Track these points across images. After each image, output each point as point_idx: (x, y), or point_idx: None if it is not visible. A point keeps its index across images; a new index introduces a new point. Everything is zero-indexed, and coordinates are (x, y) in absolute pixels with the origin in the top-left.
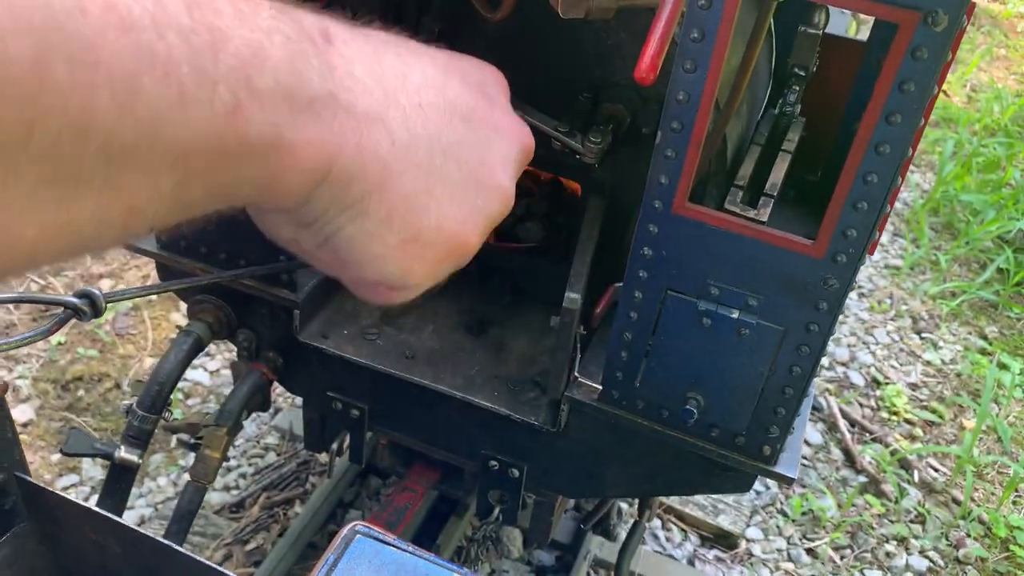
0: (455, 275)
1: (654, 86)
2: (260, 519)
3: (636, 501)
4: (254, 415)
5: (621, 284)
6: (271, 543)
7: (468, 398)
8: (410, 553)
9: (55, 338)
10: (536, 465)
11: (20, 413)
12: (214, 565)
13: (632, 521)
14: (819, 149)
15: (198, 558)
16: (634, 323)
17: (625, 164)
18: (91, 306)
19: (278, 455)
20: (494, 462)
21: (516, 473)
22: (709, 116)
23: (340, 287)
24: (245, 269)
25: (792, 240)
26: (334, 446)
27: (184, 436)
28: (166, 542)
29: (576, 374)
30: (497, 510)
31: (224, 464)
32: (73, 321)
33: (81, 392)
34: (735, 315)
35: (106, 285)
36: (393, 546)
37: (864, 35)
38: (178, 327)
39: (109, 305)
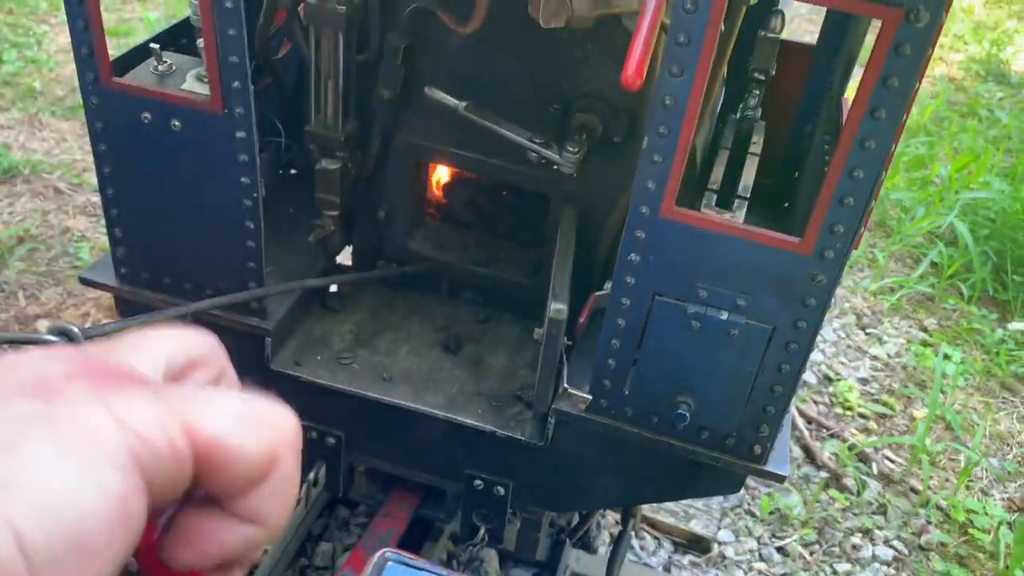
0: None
1: (623, 96)
2: None
3: (619, 511)
4: None
5: (602, 292)
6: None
7: (452, 417)
8: None
9: None
10: (522, 481)
11: None
12: None
13: (613, 532)
14: (773, 152)
15: None
16: (622, 330)
17: (596, 173)
18: (69, 343)
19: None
20: (479, 481)
21: (501, 491)
22: (696, 120)
23: (308, 312)
24: (222, 298)
25: (780, 239)
26: (310, 476)
27: None
28: None
29: (565, 385)
30: (482, 530)
31: None
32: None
33: None
34: (724, 316)
35: (43, 325)
36: (426, 570)
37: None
38: None
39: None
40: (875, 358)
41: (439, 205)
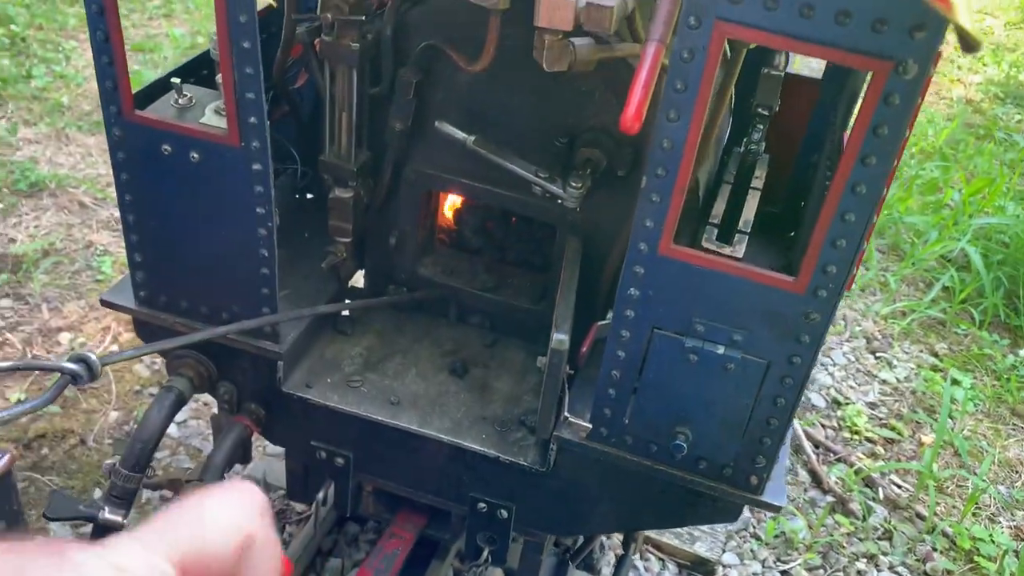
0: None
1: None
2: None
3: (621, 535)
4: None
5: (604, 323)
6: None
7: (457, 442)
8: None
9: (14, 395)
10: (525, 505)
11: None
12: None
13: (615, 554)
14: (778, 181)
15: None
16: (622, 361)
17: (601, 206)
18: (87, 370)
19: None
20: (482, 504)
21: (505, 514)
22: (693, 162)
23: (320, 335)
24: (235, 325)
25: (774, 277)
26: (320, 494)
27: (167, 493)
28: None
29: (566, 414)
30: (486, 552)
31: None
32: (34, 376)
33: (45, 450)
34: (721, 351)
35: (65, 338)
36: None
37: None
38: (141, 379)
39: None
40: (884, 382)
41: (449, 231)
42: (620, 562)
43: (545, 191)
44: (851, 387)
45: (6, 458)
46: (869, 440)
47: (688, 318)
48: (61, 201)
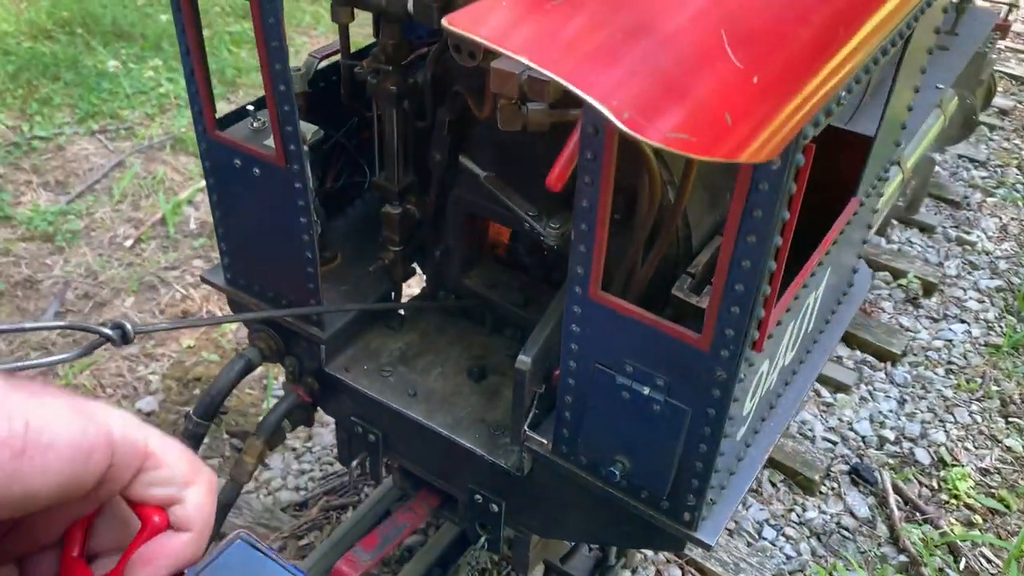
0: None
1: (621, 176)
2: (317, 519)
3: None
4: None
5: None
6: (321, 541)
7: (451, 436)
8: (282, 567)
9: (185, 341)
10: (512, 504)
11: (145, 404)
12: None
13: (662, 569)
14: None
15: None
16: (572, 388)
17: None
18: (122, 336)
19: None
20: (479, 496)
21: (496, 508)
22: (607, 220)
23: (371, 327)
24: (282, 311)
25: (682, 332)
26: (354, 462)
27: (236, 441)
28: None
29: (525, 428)
30: (483, 538)
31: (298, 467)
32: (203, 329)
33: (197, 391)
34: (646, 391)
35: (172, 276)
36: (269, 558)
37: None
38: None
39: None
40: (1009, 449)
41: (505, 247)
42: (602, 569)
43: (532, 228)
44: (966, 449)
45: None
46: (968, 507)
47: (619, 357)
48: None
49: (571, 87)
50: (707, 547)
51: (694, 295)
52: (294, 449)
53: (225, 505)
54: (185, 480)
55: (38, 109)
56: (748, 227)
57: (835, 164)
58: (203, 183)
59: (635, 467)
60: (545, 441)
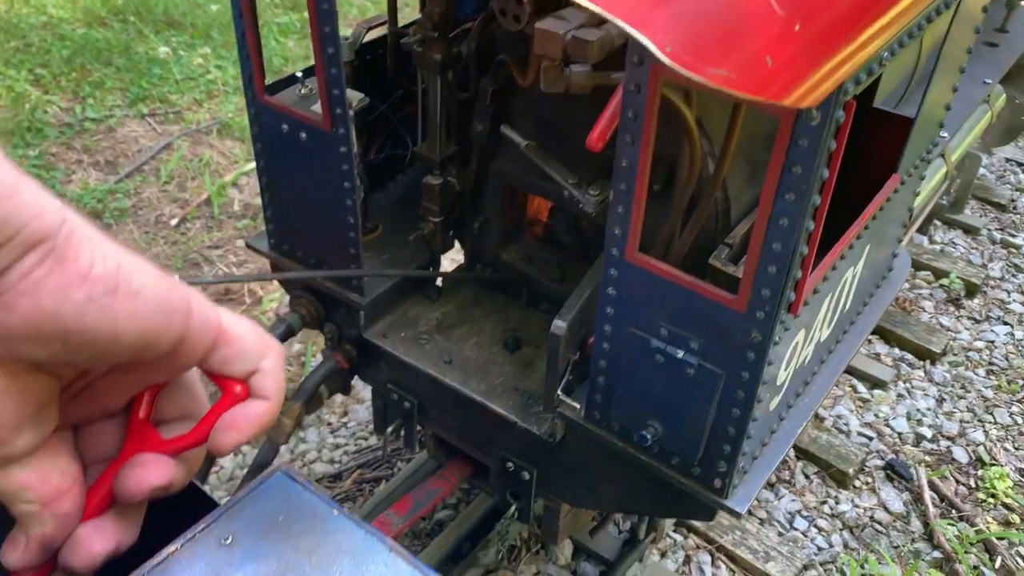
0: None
1: (661, 146)
2: (350, 491)
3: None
4: (366, 403)
5: None
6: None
7: (485, 403)
8: (319, 499)
9: None
10: (543, 471)
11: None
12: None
13: (685, 553)
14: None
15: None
16: (606, 353)
17: None
18: None
19: (379, 439)
20: (510, 463)
21: (527, 476)
22: (647, 179)
23: (409, 296)
24: (322, 272)
25: (718, 294)
26: (388, 429)
27: None
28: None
29: (558, 393)
30: (513, 507)
31: (333, 441)
32: (245, 307)
33: None
34: (680, 355)
35: (215, 254)
36: (309, 491)
37: None
38: None
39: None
40: None
41: (543, 225)
42: (630, 543)
43: (571, 195)
44: (1005, 449)
45: None
46: (1006, 506)
47: (654, 321)
48: None
49: (617, 21)
50: (736, 515)
51: (731, 264)
52: (329, 424)
53: (262, 464)
54: (260, 352)
55: (90, 92)
56: (787, 184)
57: (878, 147)
58: (248, 167)
59: (667, 432)
60: (578, 406)
